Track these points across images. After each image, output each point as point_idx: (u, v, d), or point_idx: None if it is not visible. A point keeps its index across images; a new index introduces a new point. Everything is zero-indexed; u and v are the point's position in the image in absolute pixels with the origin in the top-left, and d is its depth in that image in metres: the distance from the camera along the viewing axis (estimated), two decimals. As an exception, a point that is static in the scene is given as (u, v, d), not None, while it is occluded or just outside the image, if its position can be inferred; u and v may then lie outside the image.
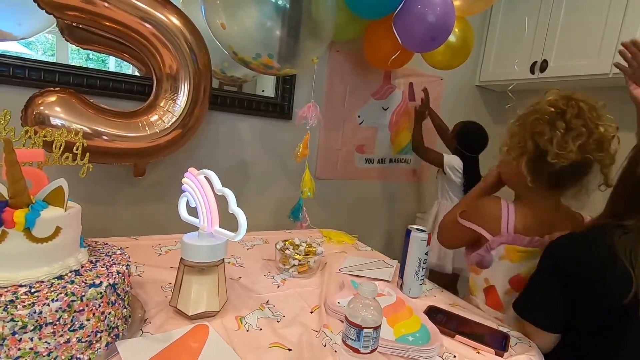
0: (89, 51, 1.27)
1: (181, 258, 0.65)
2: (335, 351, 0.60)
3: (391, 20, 1.34)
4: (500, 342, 0.67)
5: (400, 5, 1.27)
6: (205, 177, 0.65)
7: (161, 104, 1.19)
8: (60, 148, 0.57)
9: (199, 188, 0.65)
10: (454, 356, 0.63)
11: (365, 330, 0.51)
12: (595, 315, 0.64)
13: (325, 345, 0.62)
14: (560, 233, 0.72)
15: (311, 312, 0.72)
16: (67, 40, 1.20)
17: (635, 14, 1.47)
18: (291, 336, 0.63)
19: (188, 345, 0.57)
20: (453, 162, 1.72)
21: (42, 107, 1.02)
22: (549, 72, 1.76)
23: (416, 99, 1.95)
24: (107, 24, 1.06)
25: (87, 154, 0.59)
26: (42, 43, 1.23)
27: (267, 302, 0.74)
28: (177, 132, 1.20)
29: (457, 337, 0.68)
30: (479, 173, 1.73)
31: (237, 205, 0.62)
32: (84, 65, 1.25)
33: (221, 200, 0.66)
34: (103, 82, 1.24)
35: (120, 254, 0.62)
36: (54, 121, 1.04)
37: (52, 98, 1.04)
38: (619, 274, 0.59)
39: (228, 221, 0.66)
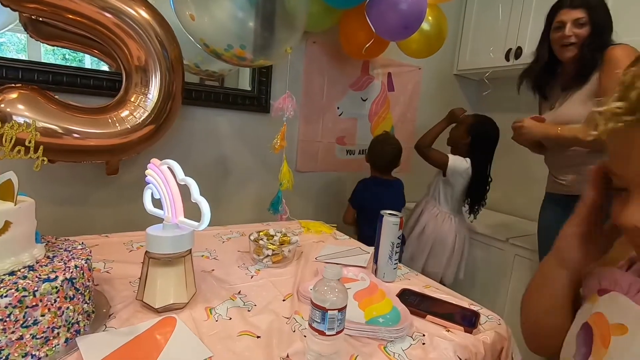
0: (65, 51, 1.23)
1: (146, 251, 0.63)
2: (305, 336, 0.59)
3: (364, 9, 1.33)
4: (470, 320, 0.68)
5: (372, -7, 1.27)
6: (167, 167, 0.64)
7: (132, 99, 1.16)
8: (10, 141, 0.55)
9: (162, 178, 0.64)
10: (423, 335, 0.63)
11: (329, 312, 0.51)
12: None
13: (294, 331, 0.61)
14: None
15: (283, 300, 0.72)
16: (31, 37, 1.16)
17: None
18: (261, 324, 0.63)
19: (153, 337, 0.56)
20: (459, 166, 1.55)
21: (2, 105, 0.99)
22: (523, 59, 1.78)
23: (395, 89, 1.95)
24: (70, 16, 1.03)
25: (41, 147, 0.57)
26: (14, 44, 1.19)
27: (239, 292, 0.74)
28: (149, 128, 1.18)
29: (428, 317, 0.68)
30: (488, 176, 1.61)
31: (206, 196, 0.60)
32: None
33: (186, 191, 0.64)
34: (70, 78, 1.20)
35: (81, 249, 0.60)
36: (18, 119, 1.00)
37: (14, 95, 1.00)
38: None
39: (196, 211, 0.65)
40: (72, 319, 0.52)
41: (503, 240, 1.66)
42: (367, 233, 1.37)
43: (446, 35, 1.51)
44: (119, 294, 0.68)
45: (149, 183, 0.67)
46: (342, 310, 0.52)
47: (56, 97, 1.07)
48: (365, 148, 1.92)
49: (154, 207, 0.69)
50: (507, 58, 1.83)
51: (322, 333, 0.52)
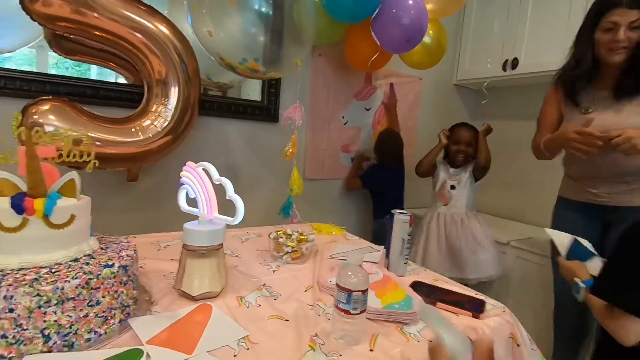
0: (68, 65, 1.31)
1: (183, 244, 0.70)
2: (329, 319, 0.66)
3: (369, 24, 1.42)
4: (477, 307, 0.74)
5: (377, 10, 1.36)
6: (203, 169, 0.71)
7: (153, 109, 1.24)
8: (69, 145, 0.62)
9: (198, 179, 0.71)
10: (436, 319, 0.70)
11: (354, 293, 0.58)
12: None
13: (319, 315, 0.68)
14: None
15: (305, 291, 0.78)
16: (55, 52, 1.25)
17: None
18: (288, 310, 0.69)
19: (195, 320, 0.62)
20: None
21: (36, 116, 1.06)
22: (519, 69, 1.87)
23: (397, 98, 2.04)
24: (97, 33, 1.11)
25: (93, 150, 0.64)
26: (22, 58, 1.25)
27: (264, 284, 0.80)
28: (168, 138, 1.25)
29: (439, 304, 0.75)
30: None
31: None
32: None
33: (218, 191, 0.72)
34: (93, 90, 1.28)
35: (127, 242, 0.67)
36: (49, 129, 1.08)
37: (46, 107, 1.08)
38: None
39: (225, 211, 0.72)
40: (125, 302, 0.59)
41: (505, 243, 1.73)
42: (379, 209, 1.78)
43: (446, 47, 1.61)
44: (156, 285, 0.74)
45: (184, 184, 0.74)
46: (364, 292, 0.59)
47: (84, 108, 1.15)
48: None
49: (188, 205, 0.76)
50: (504, 68, 1.93)
51: (347, 312, 0.58)
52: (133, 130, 1.20)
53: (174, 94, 1.25)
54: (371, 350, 0.59)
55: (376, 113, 2.03)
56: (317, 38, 1.45)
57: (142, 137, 1.20)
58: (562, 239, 0.97)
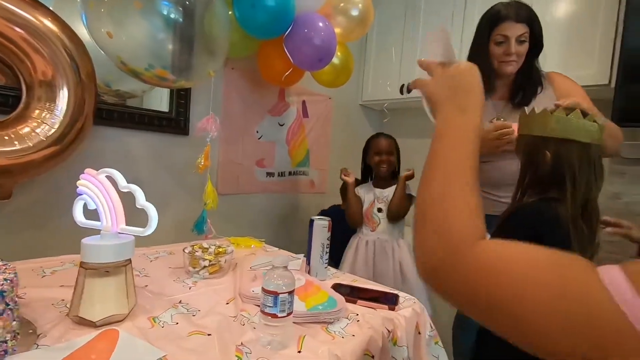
0: None
1: (81, 263, 0.60)
2: (254, 328, 0.64)
3: (282, 40, 1.47)
4: (392, 300, 0.80)
5: (290, 28, 1.42)
6: (107, 176, 0.64)
7: (34, 114, 1.07)
8: None
9: (100, 188, 0.63)
10: (357, 315, 0.73)
11: (280, 295, 0.57)
12: None
13: (244, 324, 0.65)
14: None
15: (227, 304, 0.75)
16: None
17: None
18: (209, 324, 0.65)
19: (97, 348, 0.54)
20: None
21: None
22: (414, 93, 2.12)
23: (309, 116, 2.12)
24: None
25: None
26: None
27: (180, 301, 0.73)
28: (54, 149, 1.08)
29: (359, 302, 0.79)
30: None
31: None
32: None
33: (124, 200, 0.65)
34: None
35: (4, 265, 0.55)
36: None
37: None
38: (564, 237, 0.71)
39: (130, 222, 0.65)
40: (1, 336, 0.48)
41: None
42: None
43: (352, 69, 1.75)
44: (43, 316, 0.62)
45: (81, 194, 0.65)
46: (291, 293, 0.59)
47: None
48: (284, 171, 2.03)
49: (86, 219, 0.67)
50: (401, 92, 2.17)
51: (274, 316, 0.57)
52: (7, 138, 1.01)
53: (62, 97, 1.09)
54: (299, 352, 0.58)
55: (290, 129, 2.07)
56: (231, 51, 1.43)
57: (18, 147, 1.02)
58: None
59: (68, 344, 0.54)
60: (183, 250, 0.90)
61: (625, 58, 1.41)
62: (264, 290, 0.58)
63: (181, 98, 1.59)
